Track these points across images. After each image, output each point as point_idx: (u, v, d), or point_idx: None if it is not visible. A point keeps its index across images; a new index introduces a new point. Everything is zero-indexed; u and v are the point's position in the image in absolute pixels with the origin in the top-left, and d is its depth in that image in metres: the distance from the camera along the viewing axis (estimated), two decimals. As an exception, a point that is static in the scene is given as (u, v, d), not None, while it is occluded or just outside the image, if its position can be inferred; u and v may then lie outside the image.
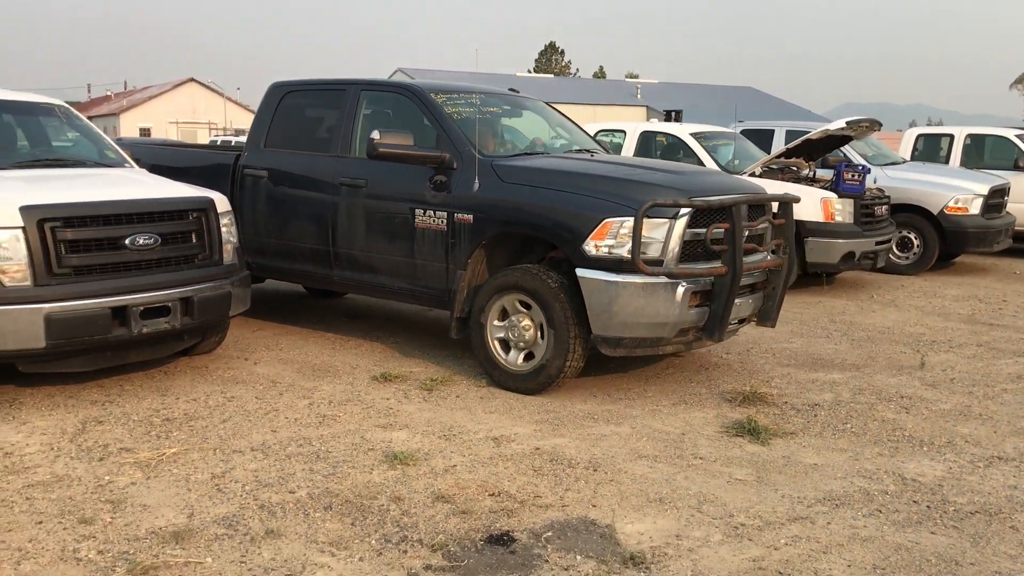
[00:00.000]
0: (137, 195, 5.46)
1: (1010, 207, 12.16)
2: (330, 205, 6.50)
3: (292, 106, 7.11)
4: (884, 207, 10.25)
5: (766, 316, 6.04)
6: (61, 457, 4.37)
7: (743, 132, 12.18)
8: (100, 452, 4.44)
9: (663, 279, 5.18)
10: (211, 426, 4.87)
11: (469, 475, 4.25)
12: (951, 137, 14.14)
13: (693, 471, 4.39)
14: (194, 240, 5.59)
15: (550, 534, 3.64)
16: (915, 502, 4.08)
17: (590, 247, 5.26)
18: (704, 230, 5.33)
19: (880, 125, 10.24)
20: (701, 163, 10.14)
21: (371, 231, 6.35)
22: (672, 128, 11.29)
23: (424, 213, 6.00)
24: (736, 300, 5.50)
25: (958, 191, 11.15)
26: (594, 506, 3.93)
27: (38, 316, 4.82)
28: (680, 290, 5.22)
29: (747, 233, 5.52)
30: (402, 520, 3.74)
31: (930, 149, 14.35)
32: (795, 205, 9.40)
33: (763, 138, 12.23)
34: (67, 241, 4.98)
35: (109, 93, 72.05)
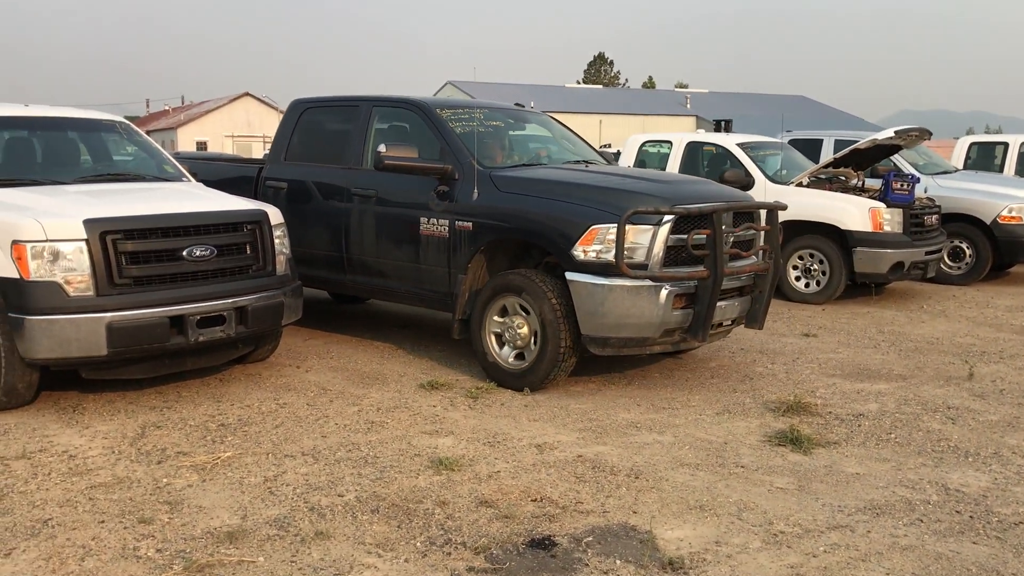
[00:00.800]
0: (194, 208, 5.66)
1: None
2: (343, 214, 6.94)
3: (311, 122, 7.59)
4: (934, 217, 10.14)
5: (753, 318, 6.26)
6: (122, 460, 4.56)
7: (791, 142, 12.12)
8: (158, 455, 4.63)
9: (648, 282, 5.49)
10: (264, 431, 5.03)
11: (512, 481, 4.34)
12: (1006, 145, 13.91)
13: (734, 479, 4.43)
14: (248, 252, 5.78)
15: (590, 539, 3.72)
16: (958, 512, 4.08)
17: (579, 252, 5.58)
18: (687, 236, 5.63)
19: (930, 134, 10.14)
20: (749, 174, 10.13)
21: (380, 238, 6.77)
22: (719, 139, 11.29)
23: (428, 221, 6.39)
24: (723, 303, 5.84)
25: (1012, 200, 10.98)
26: (635, 512, 3.99)
27: (100, 325, 5.03)
28: (664, 292, 5.52)
29: (731, 239, 5.87)
30: (446, 523, 3.85)
31: (984, 157, 14.13)
32: (843, 215, 9.40)
33: (811, 148, 12.16)
34: (128, 253, 5.19)
35: (167, 107, 73.71)
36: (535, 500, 4.11)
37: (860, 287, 9.97)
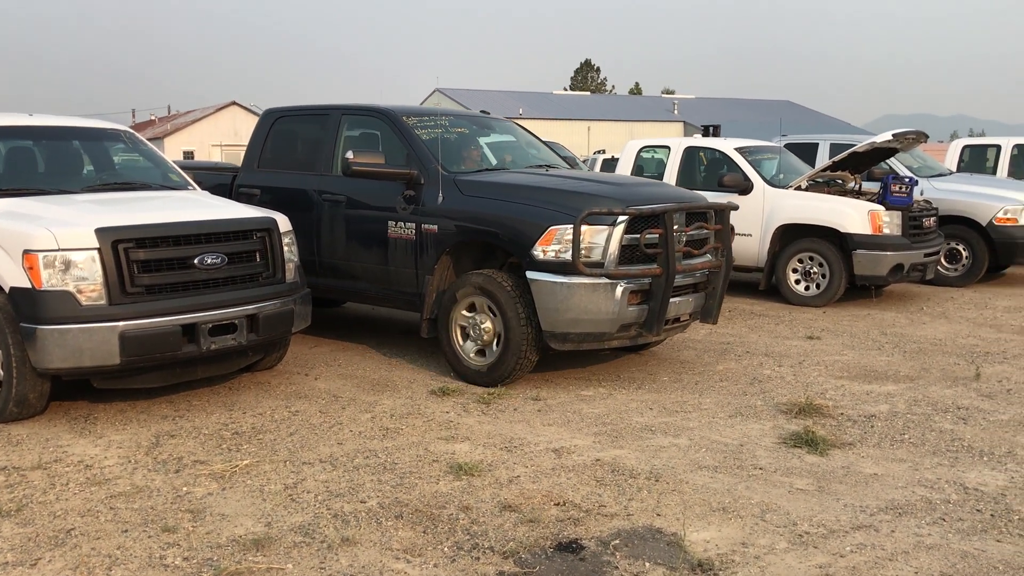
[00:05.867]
0: (204, 216, 5.65)
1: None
2: (314, 219, 7.14)
3: (283, 130, 7.78)
4: (932, 219, 10.21)
5: (708, 313, 6.55)
6: (139, 469, 4.53)
7: (787, 146, 12.18)
8: (175, 464, 4.60)
9: (604, 280, 5.72)
10: (279, 439, 5.02)
11: (533, 485, 4.34)
12: (998, 148, 14.02)
13: (754, 481, 4.44)
14: (258, 259, 5.77)
15: (617, 542, 3.72)
16: (978, 511, 4.10)
17: (538, 252, 5.82)
18: (640, 235, 5.87)
19: (926, 137, 10.22)
20: (747, 178, 10.17)
21: (350, 241, 6.98)
22: (716, 143, 11.33)
23: (396, 224, 6.61)
24: (677, 299, 6.11)
25: (1007, 202, 11.07)
26: (659, 515, 4.00)
27: (113, 334, 5.01)
28: (619, 290, 5.76)
29: (684, 238, 6.13)
30: (472, 528, 3.84)
31: (976, 160, 14.24)
32: (842, 218, 9.46)
33: (807, 152, 12.22)
34: (140, 261, 5.17)
35: (153, 117, 73.42)
36: (558, 504, 4.11)
37: (859, 289, 10.02)
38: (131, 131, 7.02)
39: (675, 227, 5.95)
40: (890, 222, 9.47)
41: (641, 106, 72.06)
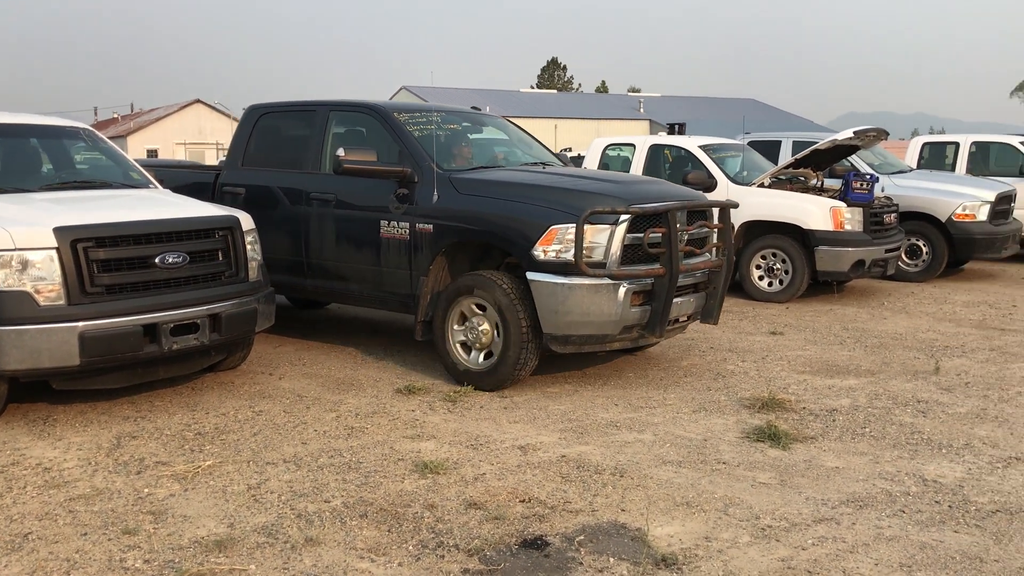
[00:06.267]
0: (165, 215, 5.59)
1: (1016, 213, 12.23)
2: (303, 218, 6.94)
3: (267, 127, 7.57)
4: (893, 215, 10.34)
5: (708, 314, 6.46)
6: (99, 471, 4.47)
7: (750, 143, 12.29)
8: (137, 466, 4.55)
9: (606, 280, 5.61)
10: (243, 439, 4.97)
11: (499, 482, 4.34)
12: (956, 145, 14.23)
13: (717, 475, 4.47)
14: (221, 258, 5.71)
15: (582, 538, 3.73)
16: (937, 502, 4.17)
17: (539, 252, 5.68)
18: (643, 235, 5.76)
19: (887, 134, 10.35)
20: (711, 175, 10.24)
21: (340, 241, 6.78)
22: (681, 141, 11.40)
23: (388, 224, 6.42)
24: (678, 299, 6.00)
25: (965, 198, 11.24)
26: (623, 510, 4.02)
27: (72, 334, 4.94)
28: (622, 290, 5.64)
29: (686, 237, 6.01)
30: (437, 526, 3.84)
31: (936, 157, 14.44)
32: (805, 215, 9.57)
33: (770, 149, 12.33)
34: (99, 261, 5.10)
35: (116, 115, 72.47)
36: (523, 501, 4.11)
37: (822, 285, 10.13)
38: (91, 129, 6.92)
39: (677, 226, 5.84)
40: (852, 218, 9.58)
41: (608, 104, 72.31)
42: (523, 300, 5.77)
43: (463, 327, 6.09)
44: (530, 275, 5.72)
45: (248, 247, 5.88)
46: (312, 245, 6.92)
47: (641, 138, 11.94)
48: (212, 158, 49.69)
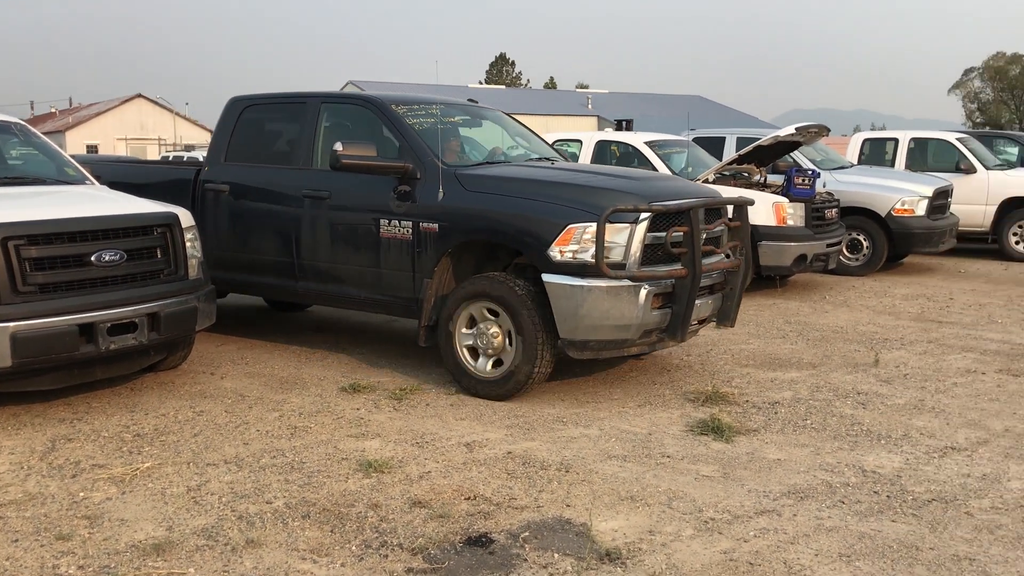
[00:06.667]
0: (101, 212, 5.45)
1: (953, 208, 12.54)
2: (293, 217, 6.56)
3: (252, 120, 7.17)
4: (834, 210, 10.52)
5: (725, 316, 6.22)
6: (32, 475, 4.35)
7: (695, 140, 12.40)
8: (72, 469, 4.44)
9: (626, 282, 5.32)
10: (183, 440, 4.88)
11: (444, 480, 4.32)
12: (896, 141, 14.53)
13: (661, 469, 4.50)
14: (159, 255, 5.59)
15: (527, 534, 3.73)
16: (876, 492, 4.24)
17: (555, 252, 5.37)
18: (663, 234, 5.49)
19: (828, 131, 10.51)
20: (656, 171, 10.31)
21: (335, 242, 6.40)
22: (627, 137, 11.47)
23: (389, 223, 6.07)
24: (696, 301, 5.67)
25: (904, 193, 11.48)
26: (568, 506, 4.02)
27: (4, 335, 4.78)
28: (643, 292, 5.36)
29: (704, 236, 5.71)
30: (381, 526, 3.80)
31: (876, 153, 14.74)
32: (748, 210, 9.64)
33: (715, 145, 12.47)
34: (32, 259, 4.95)
35: (54, 110, 70.84)
36: (468, 498, 4.09)
37: (765, 280, 10.26)
38: (23, 123, 6.73)
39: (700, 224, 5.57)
40: (794, 214, 9.72)
41: (556, 100, 72.49)
42: (538, 304, 5.46)
43: (471, 331, 5.76)
44: (546, 277, 5.41)
45: (188, 244, 5.76)
46: (304, 246, 6.53)
47: (588, 134, 11.99)
48: (154, 154, 48.77)
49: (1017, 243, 13.28)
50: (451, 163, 6.15)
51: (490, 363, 5.72)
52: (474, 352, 5.78)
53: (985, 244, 13.76)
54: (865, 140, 15.04)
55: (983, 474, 4.50)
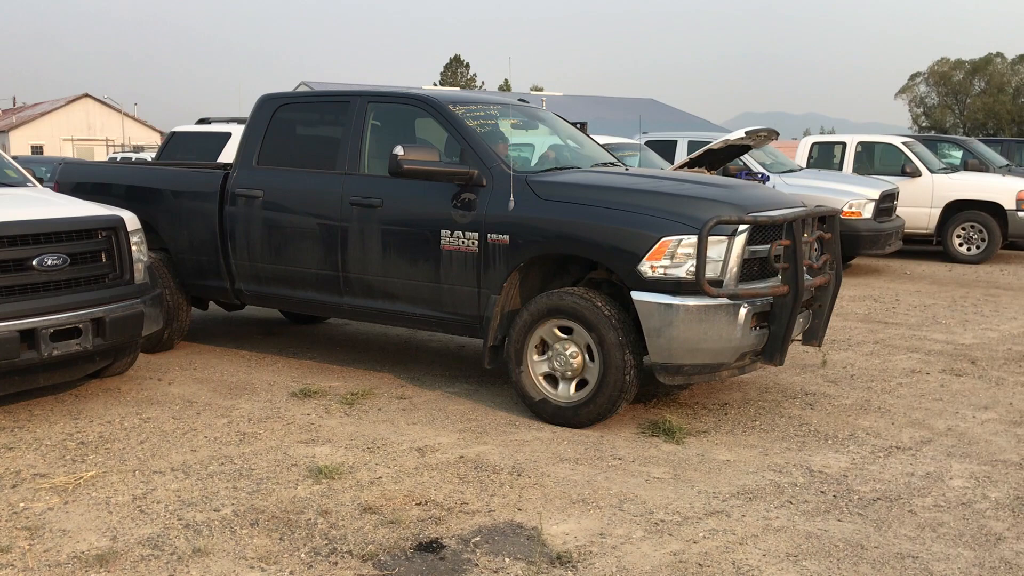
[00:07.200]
0: (43, 215, 5.34)
1: (899, 211, 12.79)
2: (339, 226, 6.05)
3: (287, 120, 6.66)
4: (783, 213, 10.64)
5: (812, 335, 5.73)
6: (-29, 486, 4.25)
7: (648, 143, 12.51)
8: (12, 479, 4.33)
9: (725, 300, 4.90)
10: (128, 448, 4.79)
11: (395, 486, 4.29)
12: (843, 145, 14.78)
13: (613, 471, 4.52)
14: (104, 260, 5.49)
15: (478, 539, 3.72)
16: (822, 492, 4.30)
17: (646, 268, 4.94)
18: (762, 247, 5.10)
19: (777, 134, 10.64)
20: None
21: (388, 254, 5.90)
22: (580, 140, 11.49)
23: (451, 234, 5.59)
24: None
25: (851, 196, 11.68)
26: (520, 510, 4.02)
27: (-59, 342, 4.67)
28: (743, 312, 4.94)
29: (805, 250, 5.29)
30: (330, 533, 3.77)
31: (824, 156, 14.97)
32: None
33: (666, 148, 12.59)
34: (-30, 263, 4.84)
35: (-4, 109, 69.23)
36: (420, 504, 4.07)
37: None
38: (-38, 124, 6.56)
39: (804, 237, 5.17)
40: (744, 216, 9.80)
41: (510, 102, 72.57)
42: (622, 323, 5.04)
43: (545, 357, 5.33)
44: (636, 295, 4.96)
45: (133, 247, 5.66)
46: (351, 258, 6.01)
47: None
48: (102, 154, 47.91)
49: (960, 245, 13.57)
50: (522, 169, 5.76)
51: (572, 386, 5.28)
52: (552, 379, 5.36)
53: (930, 246, 14.06)
54: (814, 144, 15.28)
55: (926, 473, 4.59)
